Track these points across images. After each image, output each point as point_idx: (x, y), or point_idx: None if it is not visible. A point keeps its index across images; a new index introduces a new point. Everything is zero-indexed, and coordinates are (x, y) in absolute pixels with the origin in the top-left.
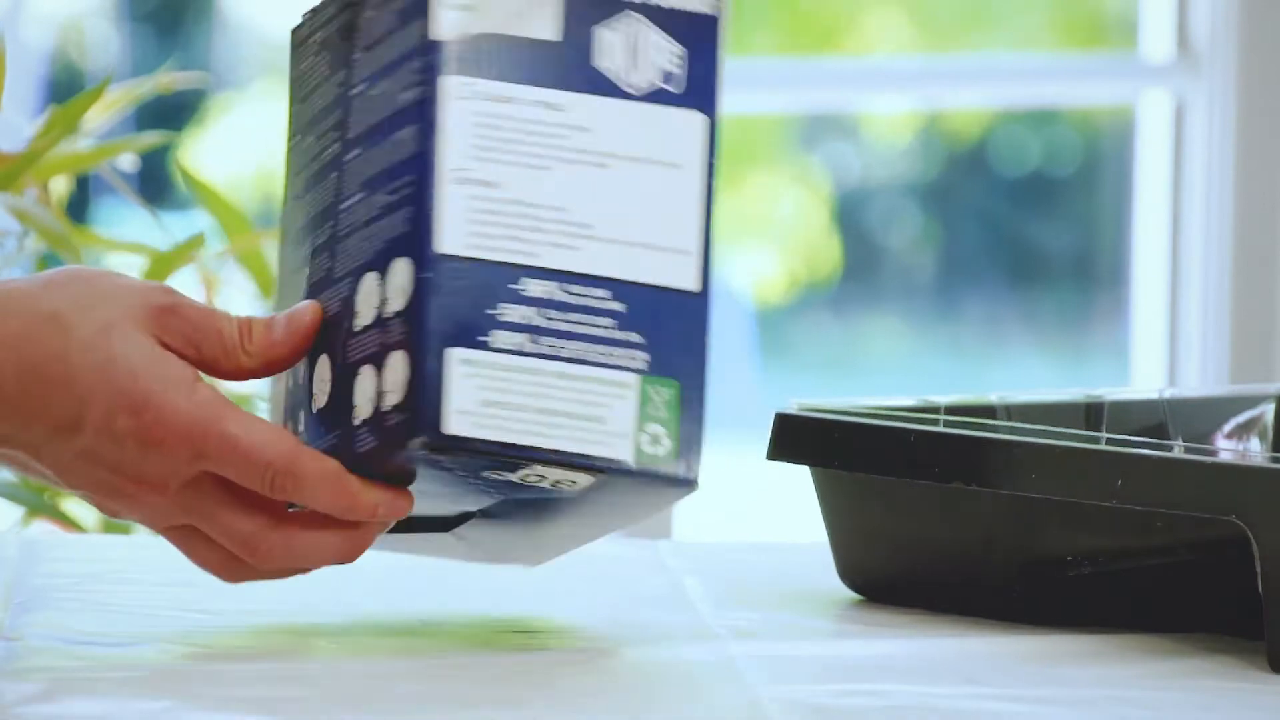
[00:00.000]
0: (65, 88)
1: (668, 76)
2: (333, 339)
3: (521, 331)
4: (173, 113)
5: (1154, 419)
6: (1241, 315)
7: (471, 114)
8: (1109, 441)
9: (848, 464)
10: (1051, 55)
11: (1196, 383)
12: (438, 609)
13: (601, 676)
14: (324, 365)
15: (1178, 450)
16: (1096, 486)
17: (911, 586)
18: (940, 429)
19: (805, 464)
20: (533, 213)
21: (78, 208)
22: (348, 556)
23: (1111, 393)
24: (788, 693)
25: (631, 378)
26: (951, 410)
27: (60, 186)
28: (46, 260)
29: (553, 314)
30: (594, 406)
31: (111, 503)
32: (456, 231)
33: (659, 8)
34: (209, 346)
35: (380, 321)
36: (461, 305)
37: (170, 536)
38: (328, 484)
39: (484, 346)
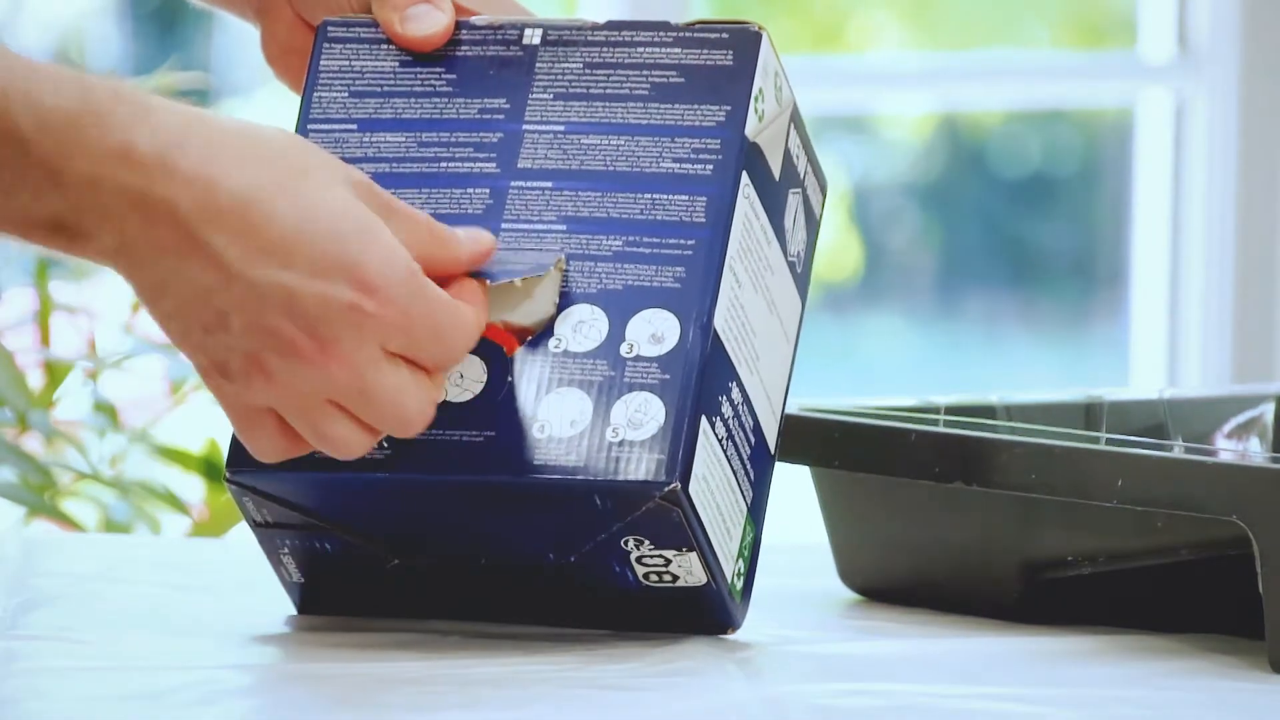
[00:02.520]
0: None
1: (798, 256)
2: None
3: (725, 426)
4: None
5: (1154, 419)
6: (1242, 315)
7: (744, 212)
8: (1109, 441)
9: (848, 464)
10: (1052, 55)
11: (1196, 383)
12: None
13: (601, 677)
14: (466, 365)
15: (1178, 450)
16: (1096, 486)
17: (911, 586)
18: (940, 429)
19: (805, 464)
20: (746, 323)
21: None
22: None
23: (1111, 393)
24: (788, 693)
25: (745, 509)
26: (951, 410)
27: None
28: (48, 259)
29: (733, 424)
30: (730, 525)
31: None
32: (724, 313)
33: (807, 199)
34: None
35: (606, 355)
36: (711, 380)
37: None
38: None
39: (713, 426)
